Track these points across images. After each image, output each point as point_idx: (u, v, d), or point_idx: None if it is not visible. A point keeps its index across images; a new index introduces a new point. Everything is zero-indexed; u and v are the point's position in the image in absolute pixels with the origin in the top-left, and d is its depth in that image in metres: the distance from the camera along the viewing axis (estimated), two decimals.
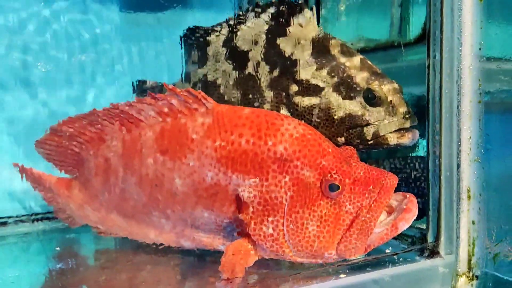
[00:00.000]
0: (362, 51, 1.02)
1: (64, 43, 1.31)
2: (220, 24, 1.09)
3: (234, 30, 1.06)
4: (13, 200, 1.25)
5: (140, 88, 1.26)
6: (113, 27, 1.35)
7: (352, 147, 0.85)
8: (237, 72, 1.05)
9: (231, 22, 1.07)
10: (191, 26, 1.09)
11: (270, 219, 0.80)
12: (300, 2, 1.02)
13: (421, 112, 0.91)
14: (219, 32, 1.08)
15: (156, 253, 0.98)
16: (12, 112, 1.27)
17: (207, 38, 1.10)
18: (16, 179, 1.18)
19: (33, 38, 1.30)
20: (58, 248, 1.10)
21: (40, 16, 1.32)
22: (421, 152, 1.08)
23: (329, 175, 0.79)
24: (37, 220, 1.26)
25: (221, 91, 1.07)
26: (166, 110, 0.86)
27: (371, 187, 0.80)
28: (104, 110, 0.90)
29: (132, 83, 1.25)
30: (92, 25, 1.34)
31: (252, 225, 0.80)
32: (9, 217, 1.24)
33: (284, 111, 1.00)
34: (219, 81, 1.07)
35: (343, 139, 0.96)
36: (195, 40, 1.08)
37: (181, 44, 1.11)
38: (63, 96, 1.32)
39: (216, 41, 1.09)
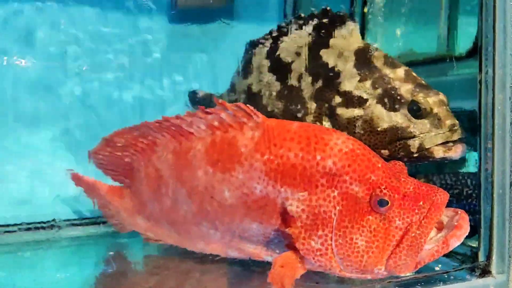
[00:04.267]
0: (409, 64, 0.96)
1: (114, 55, 1.30)
2: (264, 36, 1.06)
3: (277, 41, 1.02)
4: (65, 204, 1.25)
5: (193, 99, 1.24)
6: (161, 39, 1.32)
7: (401, 163, 0.80)
8: (280, 83, 1.02)
9: (274, 34, 1.04)
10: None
11: (318, 233, 0.77)
12: (342, 13, 0.97)
13: (472, 128, 0.86)
14: (263, 44, 1.05)
15: (203, 262, 0.95)
16: (67, 121, 1.26)
17: (252, 49, 1.07)
18: (69, 185, 1.18)
19: (84, 50, 1.29)
20: (111, 253, 1.08)
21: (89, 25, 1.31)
22: (471, 168, 1.02)
23: (378, 190, 0.75)
24: (88, 224, 1.24)
25: (264, 102, 1.03)
26: (216, 123, 0.83)
27: (421, 203, 0.75)
28: (156, 123, 0.88)
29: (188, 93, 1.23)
30: (141, 38, 1.32)
31: (300, 239, 0.77)
32: (60, 221, 1.22)
33: (326, 122, 0.95)
34: (262, 92, 1.04)
35: (386, 151, 0.91)
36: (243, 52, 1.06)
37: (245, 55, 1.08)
38: (114, 106, 1.30)
39: (260, 53, 1.05)
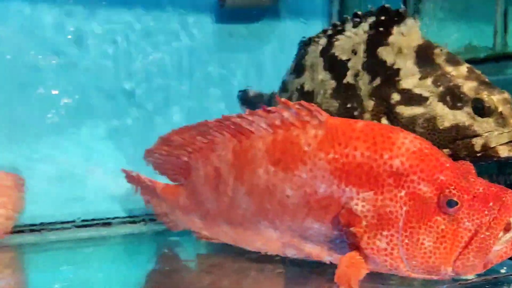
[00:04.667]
0: (467, 61, 0.94)
1: (162, 56, 1.31)
2: (317, 35, 1.05)
3: (332, 40, 1.01)
4: (117, 202, 1.27)
5: (243, 98, 1.24)
6: (208, 38, 1.33)
7: (469, 162, 0.78)
8: (335, 81, 1.01)
9: (329, 32, 1.03)
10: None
11: (384, 233, 0.75)
12: (401, 11, 0.96)
13: None
14: (317, 42, 1.04)
15: (258, 261, 0.94)
16: (119, 120, 1.28)
17: (305, 48, 1.06)
18: (120, 183, 1.20)
19: (131, 51, 1.30)
20: (166, 250, 1.10)
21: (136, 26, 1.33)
22: None
23: (447, 190, 0.73)
24: (139, 222, 1.27)
25: (318, 100, 1.02)
26: (278, 122, 0.82)
27: (491, 203, 0.73)
28: (215, 121, 0.88)
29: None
30: (187, 38, 1.33)
31: (365, 239, 0.76)
32: (113, 218, 1.26)
33: (384, 120, 0.94)
34: (316, 91, 1.03)
35: (448, 150, 0.89)
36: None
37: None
38: (161, 105, 1.31)
39: (314, 51, 1.04)
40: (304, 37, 1.08)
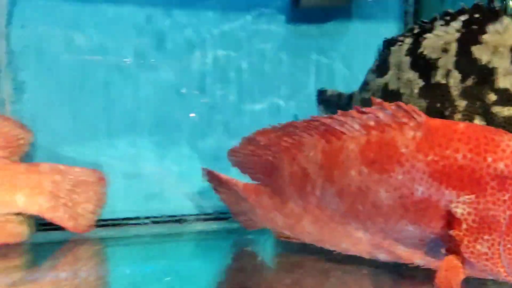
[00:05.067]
0: None
1: (236, 56, 1.32)
2: (403, 34, 1.02)
3: (419, 38, 0.98)
4: (191, 199, 1.30)
5: (321, 97, 1.24)
6: (280, 38, 1.33)
7: None
8: (422, 80, 0.98)
9: (416, 31, 1.00)
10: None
11: (485, 237, 0.73)
12: (496, 8, 0.92)
13: None
14: (402, 42, 1.02)
15: (342, 261, 0.93)
16: (194, 120, 1.30)
17: (389, 47, 1.05)
18: (194, 181, 1.25)
19: (206, 52, 1.32)
20: (242, 248, 1.11)
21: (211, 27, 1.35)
22: None
23: None
24: (213, 220, 1.29)
25: (404, 99, 1.00)
26: (372, 123, 0.81)
27: None
28: (303, 122, 0.88)
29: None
30: (260, 38, 1.34)
31: (465, 243, 0.74)
32: (187, 215, 1.28)
33: (478, 121, 0.90)
34: (402, 90, 1.01)
35: None
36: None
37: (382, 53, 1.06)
38: (235, 106, 1.33)
39: (399, 50, 1.02)
40: (386, 37, 1.06)
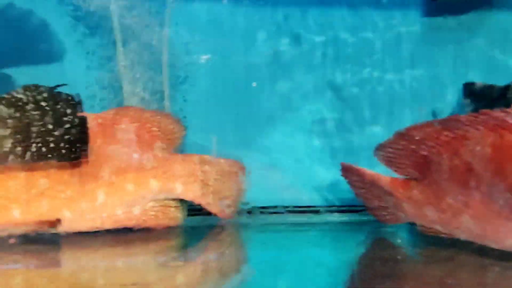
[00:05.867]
0: None
1: (368, 50, 1.33)
2: None
3: None
4: (323, 191, 1.33)
5: (469, 90, 1.22)
6: (415, 32, 1.32)
7: None
8: None
9: None
10: None
11: None
12: None
13: None
14: None
15: (500, 258, 0.91)
16: (322, 114, 1.35)
17: None
18: (325, 173, 1.30)
19: (338, 47, 1.34)
20: (399, 240, 1.11)
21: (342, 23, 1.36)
22: None
23: None
24: (343, 211, 1.31)
25: None
26: None
27: None
28: (469, 116, 0.87)
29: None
30: (394, 32, 1.33)
31: None
32: (320, 206, 1.33)
33: None
34: None
35: None
36: None
37: None
38: (367, 99, 1.33)
39: None
40: None
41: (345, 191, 1.25)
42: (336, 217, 1.31)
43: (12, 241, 1.03)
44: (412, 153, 0.98)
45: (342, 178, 1.20)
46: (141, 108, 1.17)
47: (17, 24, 1.25)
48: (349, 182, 1.17)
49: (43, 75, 1.24)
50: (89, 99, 1.23)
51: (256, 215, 1.31)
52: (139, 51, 1.21)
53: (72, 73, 1.26)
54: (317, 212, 1.33)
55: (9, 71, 1.28)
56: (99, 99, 1.26)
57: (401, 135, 0.98)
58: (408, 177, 1.03)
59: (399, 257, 1.05)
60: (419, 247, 1.11)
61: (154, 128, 1.15)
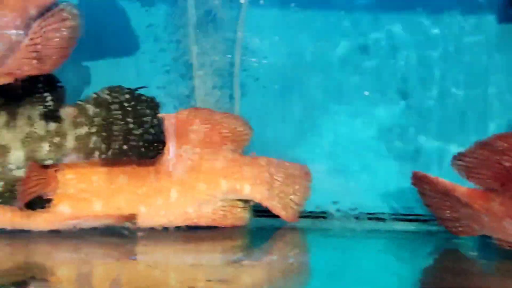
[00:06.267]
0: None
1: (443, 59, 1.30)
2: None
3: None
4: (386, 198, 1.31)
5: None
6: (492, 39, 1.28)
7: None
8: None
9: None
10: None
11: None
12: None
13: None
14: None
15: None
16: (390, 120, 1.32)
17: None
18: (389, 181, 1.28)
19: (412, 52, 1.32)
20: (473, 253, 1.09)
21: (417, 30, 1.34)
22: None
23: None
24: (409, 220, 1.28)
25: None
26: None
27: None
28: None
29: None
30: (469, 39, 1.29)
31: None
32: (383, 214, 1.30)
33: None
34: None
35: None
36: None
37: None
38: (438, 107, 1.31)
39: None
40: None
41: (412, 199, 1.25)
42: (402, 226, 1.28)
43: (140, 234, 1.09)
44: (494, 163, 0.95)
45: (408, 186, 1.18)
46: (212, 110, 1.20)
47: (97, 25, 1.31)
48: (420, 191, 1.15)
49: (117, 76, 1.30)
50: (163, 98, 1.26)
51: (319, 219, 1.30)
52: (212, 54, 1.25)
53: (147, 74, 1.30)
54: (381, 219, 1.30)
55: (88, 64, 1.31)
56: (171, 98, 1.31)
57: (483, 145, 0.96)
58: (487, 188, 1.00)
59: (472, 270, 1.04)
60: (494, 261, 1.08)
61: (224, 130, 1.18)
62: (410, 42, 1.31)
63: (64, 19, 0.96)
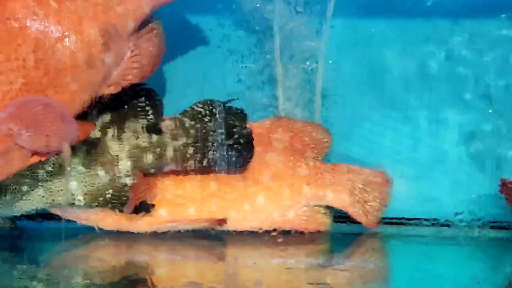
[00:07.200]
0: None
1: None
2: None
3: None
4: (472, 205, 1.29)
5: None
6: None
7: None
8: None
9: None
10: None
11: None
12: None
13: None
14: None
15: None
16: (473, 125, 1.31)
17: None
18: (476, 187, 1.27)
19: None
20: None
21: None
22: None
23: None
24: (487, 227, 1.27)
25: None
26: None
27: None
28: None
29: None
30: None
31: None
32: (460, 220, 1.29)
33: None
34: None
35: None
36: None
37: None
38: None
39: None
40: None
41: (497, 206, 1.23)
42: (488, 233, 1.26)
43: (279, 239, 1.17)
44: None
45: (493, 193, 1.18)
46: (293, 119, 1.25)
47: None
48: (508, 198, 1.14)
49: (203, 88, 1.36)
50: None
51: (399, 226, 1.30)
52: (296, 67, 1.29)
53: (230, 85, 1.36)
54: (466, 227, 1.28)
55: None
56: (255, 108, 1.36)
57: None
58: None
59: None
60: None
61: (306, 138, 1.23)
62: (484, 47, 1.28)
63: (153, 29, 1.04)
